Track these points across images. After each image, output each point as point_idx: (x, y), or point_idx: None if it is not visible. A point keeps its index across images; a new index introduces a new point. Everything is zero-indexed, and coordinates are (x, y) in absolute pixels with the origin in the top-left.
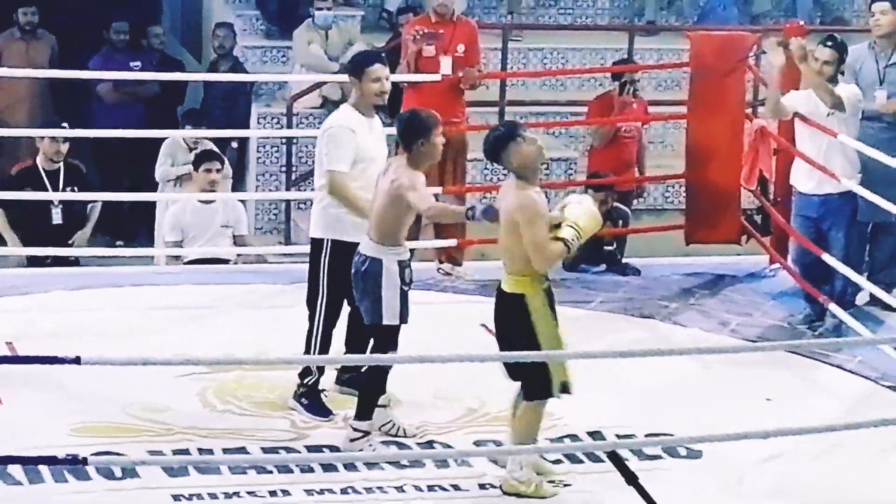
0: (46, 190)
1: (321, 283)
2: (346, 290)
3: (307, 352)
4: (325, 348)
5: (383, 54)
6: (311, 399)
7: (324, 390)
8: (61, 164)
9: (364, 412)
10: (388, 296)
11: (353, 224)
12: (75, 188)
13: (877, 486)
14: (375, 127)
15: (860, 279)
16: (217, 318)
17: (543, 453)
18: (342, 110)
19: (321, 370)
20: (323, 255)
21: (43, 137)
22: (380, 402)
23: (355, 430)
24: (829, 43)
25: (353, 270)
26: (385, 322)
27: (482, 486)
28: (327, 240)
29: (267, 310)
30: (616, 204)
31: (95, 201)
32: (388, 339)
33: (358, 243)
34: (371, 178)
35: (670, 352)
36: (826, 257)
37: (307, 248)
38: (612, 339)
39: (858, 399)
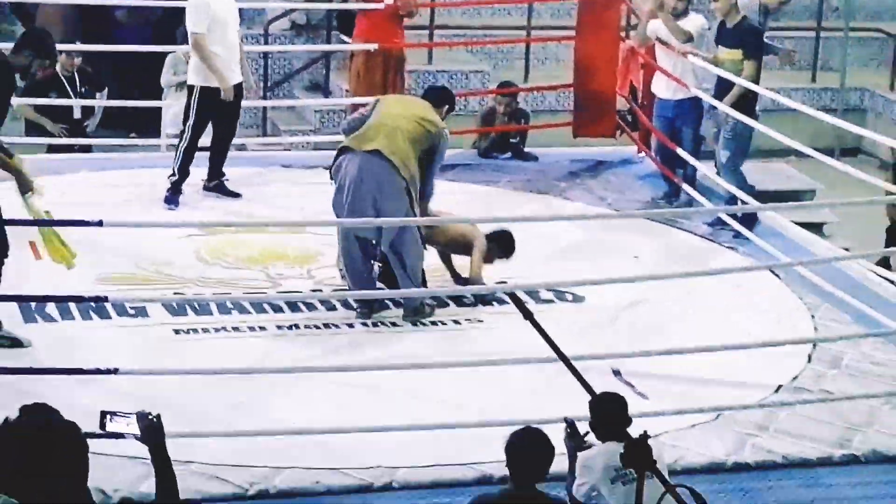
0: (67, 91)
1: (189, 116)
2: (209, 119)
3: (176, 161)
4: (189, 156)
5: None
6: (169, 192)
7: None
8: (75, 71)
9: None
10: None
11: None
12: (86, 87)
13: (722, 323)
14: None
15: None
16: (210, 193)
17: (461, 294)
18: None
19: (182, 174)
20: (193, 96)
21: (61, 52)
22: None
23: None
24: None
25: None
26: None
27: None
28: (197, 86)
29: (247, 186)
30: (519, 107)
31: (104, 95)
32: None
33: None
34: (229, 40)
35: (560, 217)
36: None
37: (281, 139)
38: (516, 211)
39: (706, 256)
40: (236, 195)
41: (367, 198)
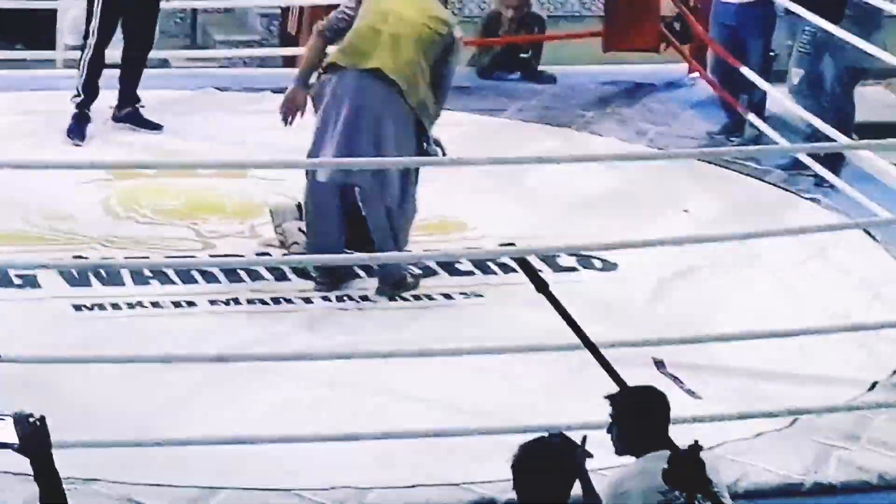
0: None
1: (93, 17)
2: (118, 15)
3: (80, 77)
4: (97, 69)
5: None
6: (74, 119)
7: None
8: None
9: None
10: None
11: None
12: None
13: (794, 298)
14: None
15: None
16: (122, 125)
17: (456, 259)
18: None
19: (89, 94)
20: None
21: None
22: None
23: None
24: None
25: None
26: None
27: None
28: None
29: (170, 115)
30: (532, 11)
31: None
32: None
33: None
34: None
35: (584, 158)
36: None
37: (215, 53)
38: (527, 149)
39: (779, 210)
40: (156, 126)
41: (365, 134)
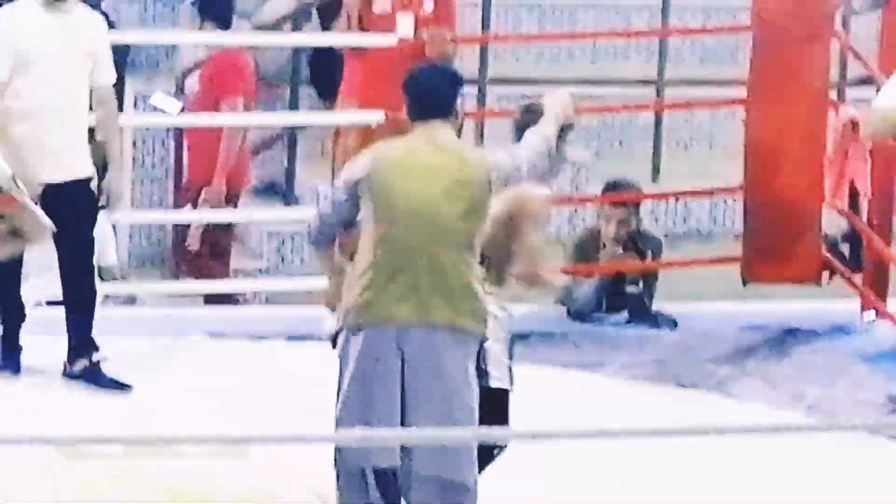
0: None
1: None
2: None
3: None
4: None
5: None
6: None
7: None
8: None
9: None
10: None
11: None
12: None
13: None
14: (68, 23)
15: None
16: (76, 383)
17: None
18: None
19: (8, 313)
20: None
21: None
22: None
23: None
24: None
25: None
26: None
27: None
28: None
29: (145, 372)
30: (643, 228)
31: None
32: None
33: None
34: (47, 88)
35: (716, 430)
36: None
37: (203, 286)
38: (637, 418)
39: None
40: (122, 386)
41: (422, 409)
